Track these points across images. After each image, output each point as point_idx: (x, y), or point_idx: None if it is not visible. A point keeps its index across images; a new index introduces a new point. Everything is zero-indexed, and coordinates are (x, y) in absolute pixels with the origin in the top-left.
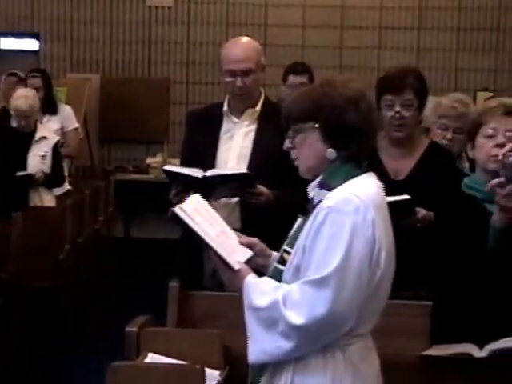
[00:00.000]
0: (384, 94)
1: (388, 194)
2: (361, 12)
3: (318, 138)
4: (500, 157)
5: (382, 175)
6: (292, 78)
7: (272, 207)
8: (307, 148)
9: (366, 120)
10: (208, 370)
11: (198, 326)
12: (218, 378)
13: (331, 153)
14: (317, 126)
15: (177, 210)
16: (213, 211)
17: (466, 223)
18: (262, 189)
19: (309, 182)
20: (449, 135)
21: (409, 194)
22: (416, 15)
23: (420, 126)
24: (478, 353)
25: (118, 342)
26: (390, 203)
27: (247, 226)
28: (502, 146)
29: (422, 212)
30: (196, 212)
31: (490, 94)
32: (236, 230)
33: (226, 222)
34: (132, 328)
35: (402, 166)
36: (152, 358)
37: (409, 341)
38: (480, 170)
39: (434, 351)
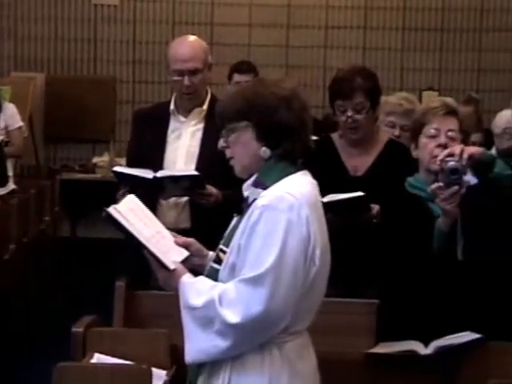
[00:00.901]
0: (335, 100)
1: (347, 190)
2: (307, 11)
3: (252, 137)
4: (438, 162)
5: (342, 172)
6: (237, 77)
7: (221, 207)
8: (241, 147)
9: (298, 119)
10: (155, 370)
11: (145, 325)
12: (165, 378)
13: (265, 151)
14: (250, 124)
15: (111, 210)
16: (149, 212)
17: (411, 223)
18: (211, 189)
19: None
20: (396, 132)
21: (367, 189)
22: (362, 15)
23: (376, 123)
24: (424, 350)
25: (65, 342)
26: (344, 200)
27: (197, 225)
28: (444, 146)
29: (376, 208)
30: (131, 212)
31: (436, 94)
32: (185, 229)
33: (176, 221)
34: (78, 328)
35: (360, 163)
36: (98, 358)
37: (355, 338)
38: (423, 170)
39: (379, 349)
